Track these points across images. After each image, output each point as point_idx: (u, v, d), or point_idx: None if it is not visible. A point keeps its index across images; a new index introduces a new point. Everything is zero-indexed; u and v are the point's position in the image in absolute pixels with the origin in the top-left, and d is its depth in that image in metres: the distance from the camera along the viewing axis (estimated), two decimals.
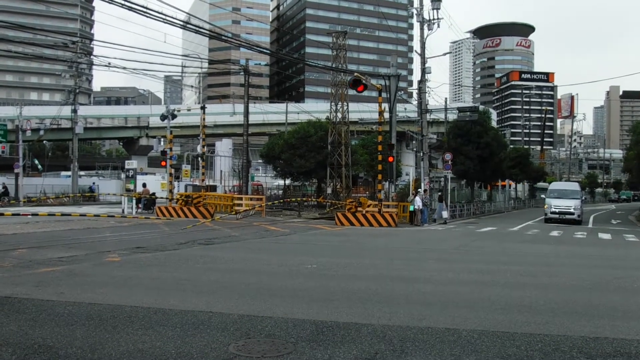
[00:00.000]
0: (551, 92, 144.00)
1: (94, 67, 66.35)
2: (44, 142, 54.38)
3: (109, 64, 26.30)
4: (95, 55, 37.68)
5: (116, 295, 6.60)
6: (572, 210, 25.22)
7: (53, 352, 4.36)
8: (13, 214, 17.74)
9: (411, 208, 22.15)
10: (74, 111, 37.39)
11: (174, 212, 23.18)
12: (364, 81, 20.42)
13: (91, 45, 64.75)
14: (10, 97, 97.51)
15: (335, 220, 21.17)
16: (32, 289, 6.89)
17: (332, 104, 31.13)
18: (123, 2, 15.04)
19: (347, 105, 31.04)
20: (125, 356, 4.28)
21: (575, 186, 29.08)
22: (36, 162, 45.59)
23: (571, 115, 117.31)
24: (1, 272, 8.15)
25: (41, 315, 5.54)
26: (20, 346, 4.49)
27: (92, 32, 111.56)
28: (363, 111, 47.10)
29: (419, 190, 23.47)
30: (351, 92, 26.70)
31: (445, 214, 23.46)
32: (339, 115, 30.67)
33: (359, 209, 21.15)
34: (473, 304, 6.50)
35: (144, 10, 15.64)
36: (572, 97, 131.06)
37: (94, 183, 41.92)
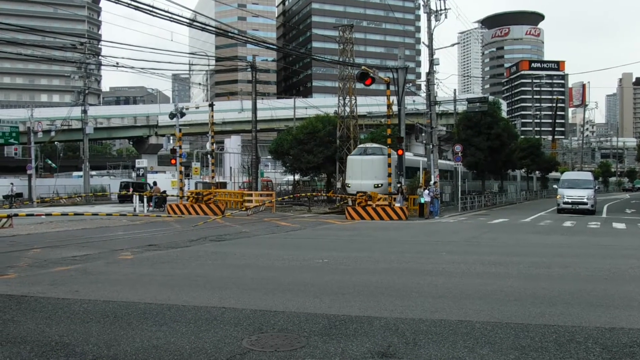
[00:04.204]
0: (562, 81, 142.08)
1: (102, 67, 66.79)
2: (56, 143, 54.95)
3: (117, 63, 26.50)
4: (103, 56, 38.03)
5: (130, 293, 6.67)
6: (585, 200, 24.92)
7: (70, 349, 4.42)
8: (27, 215, 17.99)
9: (421, 200, 22.03)
10: (84, 112, 37.77)
11: (184, 210, 23.35)
12: (371, 74, 20.30)
13: (99, 46, 65.23)
14: (21, 99, 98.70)
15: (346, 214, 21.16)
16: (48, 287, 6.99)
17: (340, 98, 31.02)
18: (129, 2, 15.10)
19: (355, 99, 30.91)
20: (140, 352, 4.33)
21: (588, 176, 28.72)
22: (49, 162, 46.15)
23: (583, 104, 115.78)
24: (17, 272, 8.28)
25: (57, 313, 5.62)
26: (37, 344, 4.56)
27: (99, 32, 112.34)
28: (371, 105, 46.86)
29: (430, 182, 23.34)
30: (359, 85, 26.50)
31: (398, 204, 21.57)
32: (347, 109, 30.56)
33: (369, 202, 21.10)
34: (486, 295, 6.46)
35: (150, 9, 15.69)
36: (583, 86, 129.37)
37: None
